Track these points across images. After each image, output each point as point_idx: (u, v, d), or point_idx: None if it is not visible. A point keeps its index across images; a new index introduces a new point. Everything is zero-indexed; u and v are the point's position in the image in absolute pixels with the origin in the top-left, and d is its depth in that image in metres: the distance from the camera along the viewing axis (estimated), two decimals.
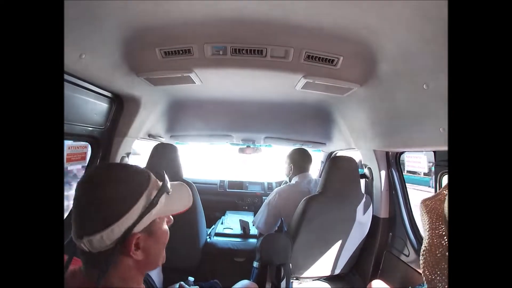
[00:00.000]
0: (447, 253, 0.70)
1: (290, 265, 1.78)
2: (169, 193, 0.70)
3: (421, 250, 0.76)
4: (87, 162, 1.85)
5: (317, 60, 1.25)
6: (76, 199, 0.63)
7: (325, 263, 1.89)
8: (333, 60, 1.24)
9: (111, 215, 0.61)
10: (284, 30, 1.10)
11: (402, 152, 1.96)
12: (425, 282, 0.73)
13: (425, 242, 0.76)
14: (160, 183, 0.69)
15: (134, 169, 0.68)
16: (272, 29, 1.10)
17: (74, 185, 0.65)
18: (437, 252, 0.72)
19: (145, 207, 0.64)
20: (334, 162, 1.87)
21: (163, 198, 0.68)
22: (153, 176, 0.70)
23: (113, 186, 0.63)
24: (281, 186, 2.22)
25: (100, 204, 0.61)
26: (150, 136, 2.36)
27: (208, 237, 2.34)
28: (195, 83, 1.56)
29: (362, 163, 2.17)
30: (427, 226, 0.77)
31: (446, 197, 0.77)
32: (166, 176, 0.71)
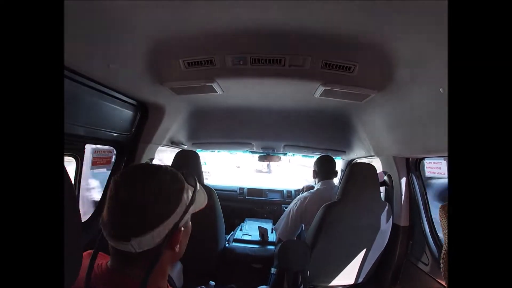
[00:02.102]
0: None
1: (308, 272, 1.77)
2: (198, 191, 0.73)
3: (441, 254, 0.76)
4: (111, 166, 1.95)
5: (334, 68, 1.28)
6: (118, 199, 0.62)
7: (344, 272, 1.86)
8: (349, 67, 1.26)
9: (162, 213, 0.63)
10: (301, 39, 1.13)
11: (422, 158, 1.92)
12: None
13: (445, 246, 0.76)
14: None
15: (170, 169, 0.70)
16: (290, 39, 1.13)
17: (101, 187, 0.66)
18: None
19: (186, 204, 0.67)
20: (353, 169, 1.86)
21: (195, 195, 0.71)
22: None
23: (161, 184, 0.64)
24: (303, 194, 2.24)
25: (151, 203, 0.62)
26: (173, 143, 2.44)
27: (227, 242, 2.37)
28: (216, 92, 1.62)
29: (382, 170, 2.15)
30: (446, 231, 0.77)
31: None
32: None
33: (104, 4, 0.88)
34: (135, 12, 0.96)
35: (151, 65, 1.34)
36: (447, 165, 1.45)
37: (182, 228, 0.68)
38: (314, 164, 2.35)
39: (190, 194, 0.70)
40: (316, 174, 2.32)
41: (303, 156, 3.37)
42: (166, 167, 0.71)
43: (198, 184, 0.74)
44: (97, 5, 0.87)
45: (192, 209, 0.71)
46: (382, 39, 1.06)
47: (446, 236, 0.76)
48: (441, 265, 0.75)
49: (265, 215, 3.46)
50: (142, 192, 0.62)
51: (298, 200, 2.16)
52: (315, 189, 2.24)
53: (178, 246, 0.67)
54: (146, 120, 1.92)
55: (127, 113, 1.75)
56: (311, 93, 1.58)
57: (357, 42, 1.10)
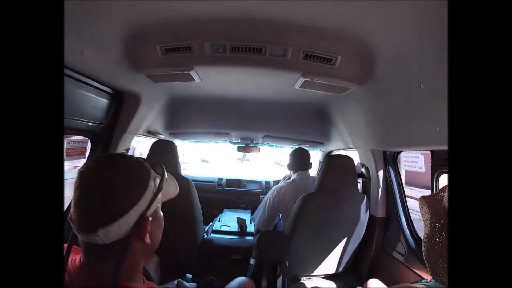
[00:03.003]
0: (447, 244, 0.72)
1: (287, 262, 1.79)
2: (166, 180, 0.72)
3: (423, 241, 0.78)
4: (86, 157, 1.86)
5: (315, 59, 1.27)
6: (82, 190, 0.61)
7: (322, 262, 1.90)
8: (331, 59, 1.26)
9: (127, 201, 0.61)
10: (283, 29, 1.11)
11: (400, 152, 1.98)
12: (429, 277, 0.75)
13: (425, 233, 0.78)
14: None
15: (135, 158, 0.69)
16: (271, 28, 1.11)
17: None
18: (437, 241, 0.75)
19: (153, 192, 0.66)
20: (330, 161, 1.88)
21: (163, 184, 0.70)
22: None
23: (125, 172, 0.64)
24: (280, 183, 2.26)
25: (116, 190, 0.61)
26: (150, 133, 2.37)
27: (205, 234, 2.35)
28: (194, 80, 1.57)
29: (360, 162, 2.19)
30: (427, 217, 0.80)
31: (445, 197, 0.80)
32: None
33: None
34: None
35: (127, 51, 1.27)
36: (445, 164, 1.50)
37: (150, 218, 0.66)
38: (289, 157, 2.41)
39: (158, 182, 0.69)
40: (291, 166, 2.39)
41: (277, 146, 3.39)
42: (131, 156, 0.69)
43: (166, 172, 0.72)
44: None
45: (161, 198, 0.70)
46: (364, 33, 1.05)
47: (428, 222, 0.78)
48: (423, 250, 0.77)
49: (244, 206, 3.46)
50: (105, 181, 0.61)
51: (274, 190, 2.19)
52: (291, 179, 2.28)
53: (147, 236, 0.66)
54: (121, 108, 1.84)
55: (102, 101, 1.67)
56: (292, 84, 1.57)
57: (340, 34, 1.09)
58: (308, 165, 2.34)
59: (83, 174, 0.63)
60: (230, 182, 3.61)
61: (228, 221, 2.72)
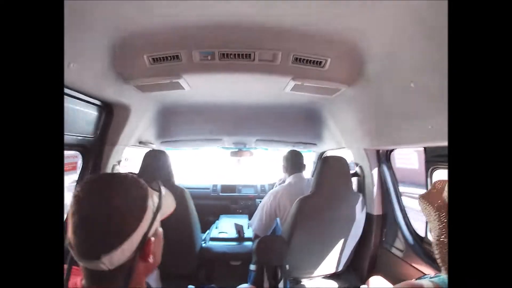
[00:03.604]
0: None
1: (287, 266, 1.79)
2: (164, 196, 0.70)
3: (434, 243, 0.77)
4: (78, 172, 1.83)
5: (305, 63, 1.27)
6: (81, 217, 0.58)
7: (322, 262, 1.90)
8: (320, 62, 1.26)
9: (129, 224, 0.59)
10: (271, 34, 1.11)
11: (393, 150, 2.00)
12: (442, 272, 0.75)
13: (434, 234, 0.77)
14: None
15: (130, 176, 0.67)
16: (259, 33, 1.11)
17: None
18: (446, 241, 0.74)
19: (153, 212, 0.64)
20: (324, 162, 1.89)
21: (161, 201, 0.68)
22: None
23: (124, 194, 0.61)
24: (275, 187, 2.25)
25: (117, 215, 0.58)
26: (141, 143, 2.35)
27: (203, 242, 2.33)
28: (184, 88, 1.56)
29: (354, 161, 2.20)
30: (433, 214, 0.78)
31: (444, 191, 0.80)
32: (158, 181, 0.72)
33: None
34: (95, 7, 0.89)
35: (114, 62, 1.26)
36: (440, 161, 1.52)
37: (153, 238, 0.64)
38: (283, 159, 2.40)
39: (156, 200, 0.67)
40: (285, 168, 2.37)
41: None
42: (125, 174, 0.67)
43: (162, 188, 0.70)
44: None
45: (160, 216, 0.68)
46: (353, 34, 1.06)
47: (435, 223, 0.77)
48: (436, 253, 0.77)
49: (240, 211, 3.44)
50: (104, 205, 0.58)
51: (271, 194, 2.18)
52: (286, 182, 2.27)
53: (151, 256, 0.64)
54: (111, 120, 1.82)
55: (91, 114, 1.64)
56: (282, 88, 1.57)
57: (328, 37, 1.10)
58: (302, 167, 2.34)
59: (78, 198, 0.59)
60: (225, 188, 3.59)
61: (225, 227, 2.71)
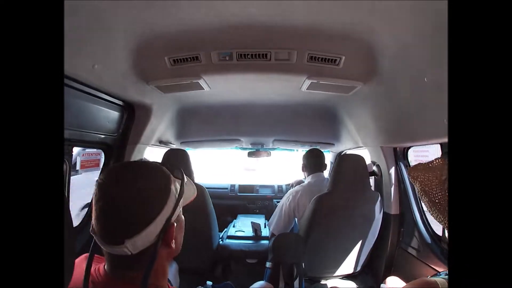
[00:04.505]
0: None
1: (303, 264, 1.80)
2: (186, 183, 0.71)
3: (428, 210, 0.80)
4: (100, 169, 1.91)
5: (320, 61, 1.29)
6: (105, 202, 0.59)
7: (339, 262, 1.89)
8: (335, 60, 1.27)
9: (153, 209, 0.60)
10: (286, 33, 1.13)
11: (410, 147, 1.96)
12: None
13: (427, 205, 0.81)
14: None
15: (154, 163, 0.69)
16: (275, 33, 1.13)
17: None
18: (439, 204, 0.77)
19: (176, 197, 0.65)
20: (341, 161, 1.88)
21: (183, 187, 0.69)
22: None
23: (147, 180, 0.62)
24: (295, 188, 2.25)
25: (140, 200, 0.59)
26: (161, 142, 2.42)
27: (220, 240, 2.37)
28: (203, 89, 1.61)
29: (371, 160, 2.18)
30: (421, 192, 0.82)
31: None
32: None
33: (86, 4, 0.86)
34: (118, 11, 0.94)
35: (136, 64, 1.32)
36: (448, 159, 1.48)
37: (175, 223, 0.65)
38: (303, 158, 2.36)
39: (178, 186, 0.67)
40: (305, 168, 2.34)
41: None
42: (149, 162, 0.68)
43: (185, 176, 0.71)
44: (79, 5, 0.85)
45: (182, 202, 0.69)
46: (366, 31, 1.07)
47: (424, 196, 0.81)
48: (433, 216, 0.78)
49: (257, 211, 3.46)
50: (128, 190, 0.60)
51: (290, 195, 2.17)
52: (306, 182, 2.25)
53: (173, 242, 0.66)
54: (133, 120, 1.89)
55: (114, 114, 1.72)
56: (298, 87, 1.59)
57: (342, 35, 1.11)
58: (323, 166, 2.30)
59: (103, 185, 0.61)
60: (243, 188, 3.62)
61: (242, 226, 2.74)
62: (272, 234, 2.20)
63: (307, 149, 2.42)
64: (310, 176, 2.25)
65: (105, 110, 1.62)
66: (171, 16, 1.02)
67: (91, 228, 0.62)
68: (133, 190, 0.60)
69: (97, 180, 0.63)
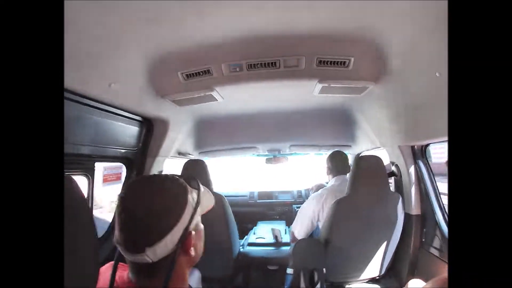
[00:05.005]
0: None
1: (324, 269, 1.77)
2: (202, 192, 0.75)
3: None
4: (122, 182, 1.99)
5: (329, 64, 1.30)
6: (126, 214, 0.64)
7: (361, 266, 1.86)
8: (344, 62, 1.28)
9: (171, 219, 0.64)
10: (293, 41, 1.16)
11: (428, 145, 1.91)
12: None
13: None
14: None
15: (170, 176, 0.72)
16: (282, 41, 1.16)
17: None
18: None
19: (193, 206, 0.69)
20: (359, 163, 1.86)
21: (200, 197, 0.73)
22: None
23: (164, 191, 0.66)
24: (319, 191, 2.21)
25: (159, 211, 0.64)
26: (180, 154, 2.48)
27: (241, 247, 2.38)
28: (217, 100, 1.65)
29: (390, 160, 2.14)
30: None
31: None
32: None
33: (99, 28, 0.92)
34: (132, 29, 0.99)
35: (150, 80, 1.38)
36: (448, 159, 1.44)
37: (193, 232, 0.69)
38: (327, 161, 2.30)
39: (195, 196, 0.71)
40: (330, 170, 2.27)
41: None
42: (165, 175, 0.73)
43: (201, 185, 0.75)
44: (93, 30, 0.91)
45: (200, 211, 0.72)
46: (373, 31, 1.07)
47: None
48: None
49: (277, 217, 3.46)
50: (147, 202, 0.64)
51: (313, 199, 2.12)
52: (329, 185, 2.20)
53: (192, 249, 0.69)
54: (151, 134, 1.96)
55: (133, 129, 1.79)
56: (310, 92, 1.60)
57: (350, 37, 1.12)
58: (347, 168, 2.24)
59: (124, 199, 0.66)
60: (262, 195, 3.63)
61: (262, 233, 2.74)
62: (295, 239, 2.18)
63: (331, 152, 2.36)
64: (334, 179, 2.19)
65: (125, 126, 1.69)
66: (180, 33, 1.06)
67: (114, 238, 0.66)
68: (151, 202, 0.64)
69: (119, 195, 0.67)
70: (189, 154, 2.66)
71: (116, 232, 0.65)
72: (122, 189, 0.69)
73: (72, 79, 1.09)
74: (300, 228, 2.12)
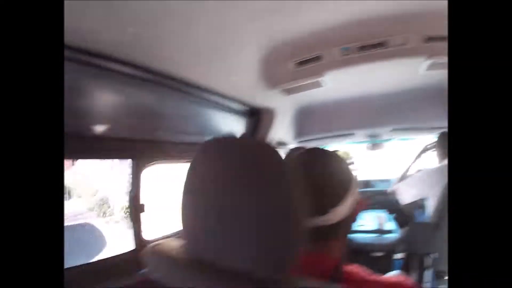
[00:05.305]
0: None
1: (436, 255, 1.69)
2: None
3: None
4: None
5: (438, 40, 1.26)
6: (312, 179, 0.67)
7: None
8: None
9: (349, 180, 0.71)
10: (400, 19, 1.17)
11: None
12: None
13: None
14: None
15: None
16: (389, 20, 1.18)
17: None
18: None
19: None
20: None
21: None
22: None
23: (342, 160, 0.75)
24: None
25: (344, 173, 0.71)
26: (280, 144, 2.58)
27: None
28: (322, 86, 1.70)
29: None
30: None
31: None
32: None
33: (219, 21, 1.02)
34: (247, 22, 1.08)
35: (264, 71, 1.48)
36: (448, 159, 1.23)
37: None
38: (436, 145, 2.07)
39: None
40: (441, 154, 2.03)
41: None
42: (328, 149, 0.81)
43: None
44: (215, 23, 1.02)
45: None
46: None
47: None
48: None
49: (376, 206, 3.34)
50: (335, 166, 0.72)
51: (425, 173, 2.00)
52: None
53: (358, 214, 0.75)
54: (259, 124, 2.09)
55: (240, 120, 1.96)
56: (416, 70, 1.57)
57: None
58: None
59: (303, 164, 0.72)
60: (359, 184, 3.54)
61: (365, 220, 2.72)
62: (401, 225, 2.09)
63: (439, 134, 2.18)
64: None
65: (232, 117, 1.85)
66: (296, 21, 1.14)
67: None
68: (335, 168, 0.73)
69: (295, 159, 0.75)
70: (288, 144, 2.76)
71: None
72: (295, 154, 0.77)
73: (194, 72, 1.22)
74: (407, 189, 2.02)
